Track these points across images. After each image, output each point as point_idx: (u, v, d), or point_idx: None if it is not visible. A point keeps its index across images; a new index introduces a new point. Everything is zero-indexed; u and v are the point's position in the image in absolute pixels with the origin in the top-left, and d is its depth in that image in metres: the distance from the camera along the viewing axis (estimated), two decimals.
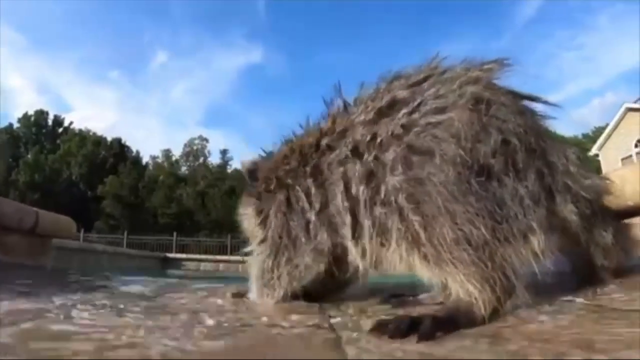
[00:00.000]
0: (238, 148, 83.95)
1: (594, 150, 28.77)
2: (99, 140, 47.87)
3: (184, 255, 19.46)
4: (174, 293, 2.29)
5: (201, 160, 52.59)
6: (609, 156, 27.16)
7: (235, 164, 56.79)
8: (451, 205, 1.53)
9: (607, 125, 28.88)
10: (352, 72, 77.38)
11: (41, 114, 50.03)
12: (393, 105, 1.76)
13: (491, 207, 1.54)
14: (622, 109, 26.50)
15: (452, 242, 1.52)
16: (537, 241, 1.56)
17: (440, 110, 1.65)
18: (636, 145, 25.29)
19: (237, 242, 25.73)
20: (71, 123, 51.46)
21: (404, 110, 1.71)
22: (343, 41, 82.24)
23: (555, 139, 1.73)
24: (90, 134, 49.31)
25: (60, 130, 50.62)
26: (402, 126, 1.69)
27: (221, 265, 17.61)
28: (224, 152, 53.85)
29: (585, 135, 49.30)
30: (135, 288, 2.56)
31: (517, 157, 1.59)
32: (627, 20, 73.40)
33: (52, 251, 4.52)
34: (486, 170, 1.56)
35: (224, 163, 53.49)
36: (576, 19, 78.57)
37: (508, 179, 1.57)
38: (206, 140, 53.83)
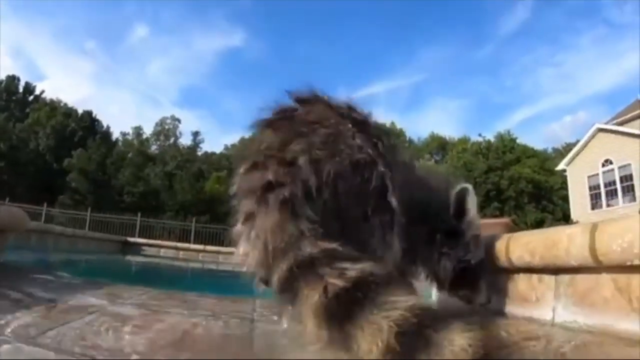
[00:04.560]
0: (210, 131, 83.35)
1: (561, 166, 29.53)
2: (69, 112, 46.58)
3: (144, 240, 19.14)
4: None
5: (172, 140, 51.90)
6: (576, 172, 27.96)
7: (206, 147, 56.51)
8: None
9: (577, 142, 29.52)
10: (331, 65, 77.42)
11: (12, 80, 48.32)
12: None
13: None
14: (593, 129, 27.18)
15: None
16: None
17: None
18: (603, 165, 25.95)
19: (201, 227, 25.55)
20: (42, 92, 49.91)
21: None
22: (325, 34, 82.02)
23: None
24: (61, 104, 48.12)
25: (31, 98, 49.23)
26: None
27: (181, 253, 17.40)
28: (195, 134, 53.47)
29: (555, 150, 50.27)
30: None
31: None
32: (608, 44, 75.22)
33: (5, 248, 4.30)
34: None
35: (195, 145, 53.05)
36: (559, 37, 80.00)
37: None
38: (178, 120, 53.13)
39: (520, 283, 2.39)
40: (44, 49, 73.26)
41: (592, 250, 1.83)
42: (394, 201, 1.65)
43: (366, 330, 1.10)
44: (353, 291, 1.18)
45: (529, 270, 2.29)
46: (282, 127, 1.67)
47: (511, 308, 2.42)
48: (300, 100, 1.79)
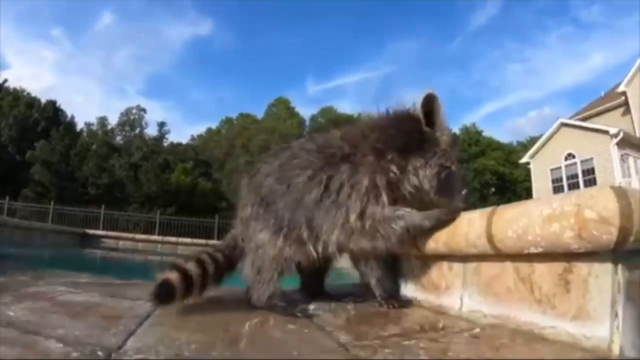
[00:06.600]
0: (176, 121, 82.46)
1: (525, 159, 29.86)
2: (31, 102, 45.14)
3: (102, 232, 18.92)
4: None
5: (137, 131, 50.37)
6: (539, 166, 28.34)
7: (172, 138, 55.77)
8: None
9: (541, 136, 29.93)
10: (300, 56, 77.45)
11: None
12: None
13: None
14: (557, 123, 27.52)
15: None
16: None
17: None
18: (566, 159, 26.36)
19: (166, 219, 25.25)
20: (5, 81, 48.22)
21: None
22: (294, 26, 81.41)
23: None
24: (25, 94, 46.73)
25: None
26: None
27: (140, 244, 17.23)
28: (161, 125, 52.28)
29: (519, 143, 51.22)
30: None
31: None
32: (574, 42, 77.16)
33: None
34: None
35: (161, 136, 51.89)
36: (527, 34, 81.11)
37: None
38: (144, 110, 51.15)
39: (433, 270, 2.33)
40: (7, 37, 71.05)
41: (489, 236, 1.75)
42: None
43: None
44: None
45: (440, 257, 2.23)
46: None
47: (424, 295, 2.38)
48: None
